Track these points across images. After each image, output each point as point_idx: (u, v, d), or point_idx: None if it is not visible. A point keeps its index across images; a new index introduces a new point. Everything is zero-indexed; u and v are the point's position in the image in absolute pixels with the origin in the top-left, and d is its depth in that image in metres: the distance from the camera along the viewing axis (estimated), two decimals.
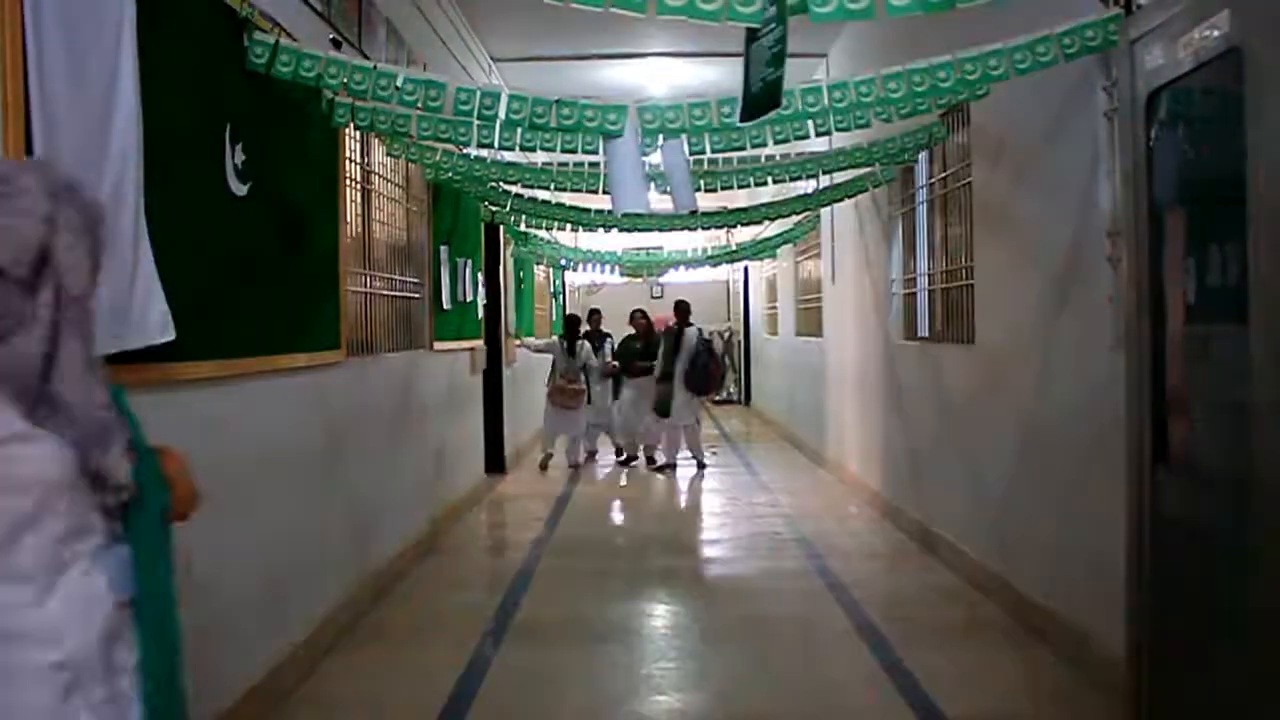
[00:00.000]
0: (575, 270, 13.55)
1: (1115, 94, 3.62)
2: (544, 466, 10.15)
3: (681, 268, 13.38)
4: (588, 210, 8.05)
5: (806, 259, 11.47)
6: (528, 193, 7.92)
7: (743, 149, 4.87)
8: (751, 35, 2.97)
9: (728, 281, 20.16)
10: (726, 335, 18.70)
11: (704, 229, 10.92)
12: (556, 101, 3.71)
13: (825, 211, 9.09)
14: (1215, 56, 2.42)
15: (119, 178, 2.58)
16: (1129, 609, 2.93)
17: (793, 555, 6.38)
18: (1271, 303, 2.21)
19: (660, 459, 10.17)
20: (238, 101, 3.59)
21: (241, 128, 3.58)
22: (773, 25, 2.87)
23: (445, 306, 7.12)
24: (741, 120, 3.19)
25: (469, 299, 8.01)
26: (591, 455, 10.76)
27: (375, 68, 3.71)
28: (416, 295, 6.61)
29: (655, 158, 4.48)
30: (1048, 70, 3.57)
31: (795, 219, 9.75)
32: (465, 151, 5.95)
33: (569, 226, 9.26)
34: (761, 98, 3.04)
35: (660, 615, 5.19)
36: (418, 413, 6.44)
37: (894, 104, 4.13)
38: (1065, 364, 4.32)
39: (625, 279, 15.73)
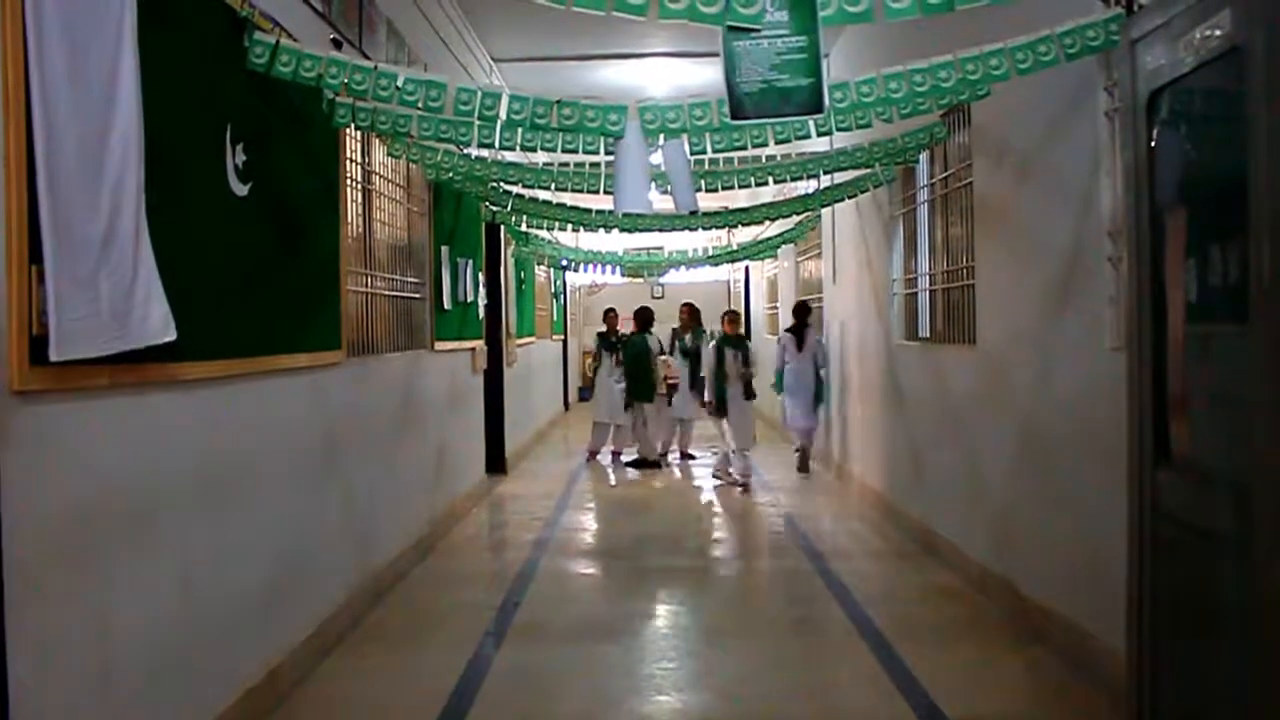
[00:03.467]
0: (576, 270, 13.54)
1: (1116, 94, 3.62)
2: (595, 455, 10.53)
3: (682, 268, 13.36)
4: (589, 210, 8.05)
5: (807, 259, 11.47)
6: (528, 193, 7.92)
7: (743, 149, 4.86)
8: (736, 31, 3.02)
9: (729, 282, 20.16)
10: None
11: (705, 229, 10.91)
12: (557, 102, 3.71)
13: (826, 212, 9.09)
14: (1217, 56, 2.41)
15: (120, 178, 2.58)
16: (1129, 608, 2.92)
17: (793, 555, 6.38)
18: (1273, 303, 2.21)
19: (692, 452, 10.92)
20: (238, 102, 3.59)
21: (242, 128, 3.58)
22: (784, 31, 2.92)
23: (446, 307, 7.12)
24: (734, 118, 3.20)
25: (470, 299, 8.01)
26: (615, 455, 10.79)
27: (376, 68, 3.71)
28: (417, 295, 6.61)
29: (656, 158, 4.48)
30: (1049, 70, 3.57)
31: (796, 219, 9.75)
32: (466, 152, 5.95)
33: (570, 227, 9.26)
34: (763, 99, 3.06)
35: (661, 615, 5.19)
36: (418, 413, 6.44)
37: (895, 104, 4.12)
38: (1066, 364, 4.32)
39: (626, 279, 15.73)
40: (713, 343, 9.48)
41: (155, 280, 2.74)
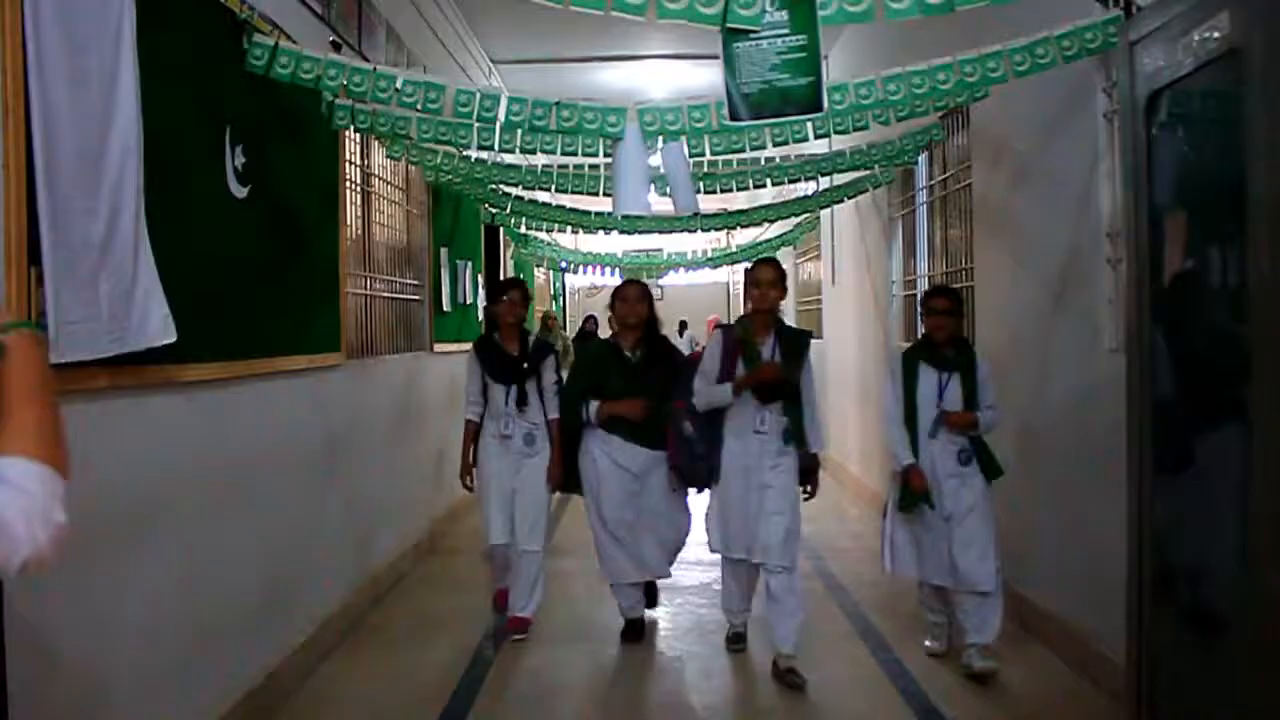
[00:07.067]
0: (575, 272, 13.57)
1: (1115, 95, 3.63)
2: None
3: (681, 269, 13.38)
4: (588, 212, 8.05)
5: (806, 261, 11.47)
6: (528, 195, 7.92)
7: (742, 151, 4.87)
8: (736, 33, 3.04)
9: (728, 283, 20.18)
10: None
11: (704, 231, 10.91)
12: (556, 104, 3.71)
13: (825, 213, 9.09)
14: (1215, 58, 2.42)
15: (119, 180, 2.58)
16: (1130, 610, 2.93)
17: None
18: (1272, 302, 2.21)
19: None
20: (238, 104, 3.59)
21: (242, 130, 3.58)
22: (784, 31, 2.93)
23: (445, 308, 7.13)
24: (732, 119, 3.22)
25: (469, 301, 8.01)
26: None
27: (375, 70, 3.71)
28: (417, 297, 6.61)
29: (655, 159, 4.49)
30: (1047, 72, 3.58)
31: (795, 221, 9.75)
32: (465, 154, 5.96)
33: (569, 228, 9.25)
34: (763, 99, 3.08)
35: (660, 616, 5.18)
36: (418, 414, 6.44)
37: (893, 106, 4.12)
38: (1065, 366, 4.32)
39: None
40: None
41: (155, 282, 2.74)
